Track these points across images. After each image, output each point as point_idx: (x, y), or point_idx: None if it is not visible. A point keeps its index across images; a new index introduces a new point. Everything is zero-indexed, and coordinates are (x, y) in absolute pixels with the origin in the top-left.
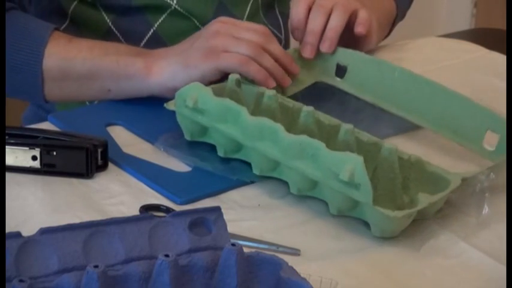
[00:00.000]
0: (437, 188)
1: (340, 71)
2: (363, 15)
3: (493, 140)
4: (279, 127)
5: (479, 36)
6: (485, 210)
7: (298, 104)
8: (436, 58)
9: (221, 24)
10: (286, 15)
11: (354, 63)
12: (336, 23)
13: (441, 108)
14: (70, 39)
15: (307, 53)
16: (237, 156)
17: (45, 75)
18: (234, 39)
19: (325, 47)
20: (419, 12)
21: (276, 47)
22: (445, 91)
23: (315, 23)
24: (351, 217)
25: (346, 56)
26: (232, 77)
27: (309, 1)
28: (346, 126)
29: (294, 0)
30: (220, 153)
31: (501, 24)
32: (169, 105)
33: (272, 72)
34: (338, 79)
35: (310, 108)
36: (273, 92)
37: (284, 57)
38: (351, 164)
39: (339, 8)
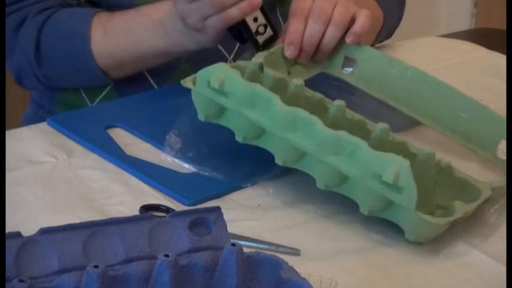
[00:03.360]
0: (466, 196)
1: (349, 65)
2: (360, 21)
3: (506, 149)
4: (316, 120)
5: (479, 36)
6: (504, 215)
7: (319, 96)
8: (436, 58)
9: None
10: (287, 17)
11: (363, 57)
12: (331, 37)
13: (455, 112)
14: (104, 30)
15: (301, 59)
16: (256, 142)
17: (104, 69)
18: None
19: (317, 57)
20: (419, 12)
21: None
22: (459, 95)
23: (312, 34)
24: (351, 218)
25: (355, 49)
26: (256, 60)
27: (306, 15)
28: (381, 126)
29: (290, 14)
30: (239, 138)
31: (501, 24)
32: (186, 83)
33: None
34: (345, 72)
35: (342, 102)
36: (300, 81)
37: None
38: (396, 166)
39: (336, 20)
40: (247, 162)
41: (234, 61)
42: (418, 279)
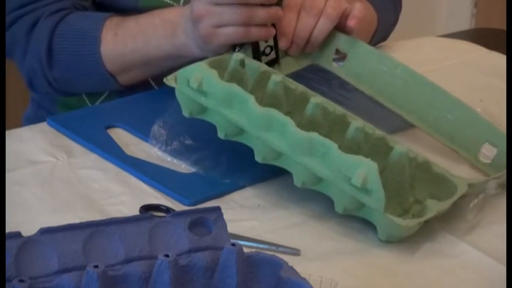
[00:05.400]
0: (443, 191)
1: (340, 58)
2: (357, 7)
3: (489, 153)
4: (289, 121)
5: (479, 36)
6: (484, 212)
7: (302, 89)
8: (436, 58)
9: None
10: None
11: (354, 51)
12: (321, 29)
13: (440, 112)
14: (115, 32)
15: (292, 51)
16: (237, 139)
17: (112, 73)
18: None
19: (307, 49)
20: (419, 12)
21: None
22: (447, 95)
23: (303, 26)
24: (351, 217)
25: (347, 43)
26: (237, 57)
27: (299, 8)
28: (356, 124)
29: (284, 7)
30: (221, 135)
31: (501, 24)
32: (169, 81)
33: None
34: (335, 65)
35: (319, 99)
36: (279, 77)
37: None
38: (365, 169)
39: (328, 12)
40: (232, 157)
41: None
42: (418, 279)
